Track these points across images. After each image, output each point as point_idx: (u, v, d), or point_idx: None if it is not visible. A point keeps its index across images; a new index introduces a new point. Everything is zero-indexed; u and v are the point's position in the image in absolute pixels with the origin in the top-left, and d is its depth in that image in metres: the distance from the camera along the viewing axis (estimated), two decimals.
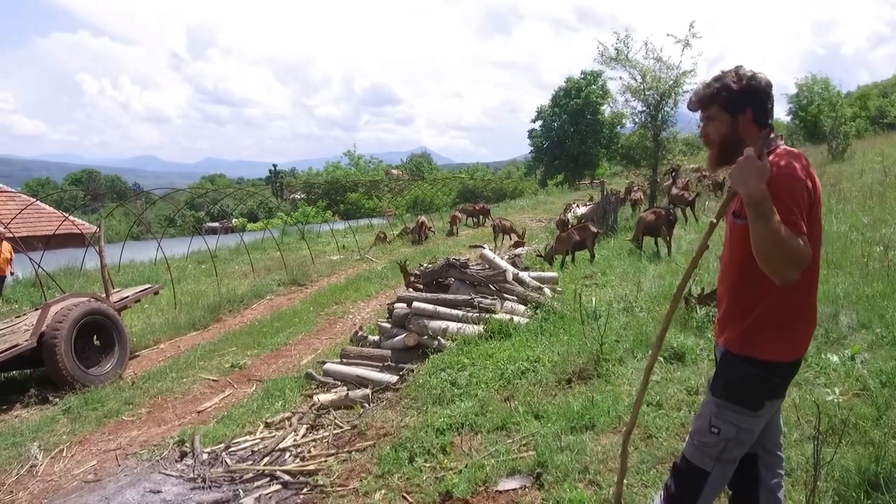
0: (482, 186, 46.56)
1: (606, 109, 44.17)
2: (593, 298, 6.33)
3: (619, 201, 13.81)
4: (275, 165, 72.72)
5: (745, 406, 2.27)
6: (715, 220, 2.16)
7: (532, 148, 47.77)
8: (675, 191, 12.97)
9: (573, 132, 43.93)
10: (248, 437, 5.47)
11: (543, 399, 4.71)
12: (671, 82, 13.64)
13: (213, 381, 7.50)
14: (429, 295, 7.12)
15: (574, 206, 17.39)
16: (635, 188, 17.99)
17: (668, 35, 12.89)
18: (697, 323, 5.52)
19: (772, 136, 2.19)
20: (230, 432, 5.54)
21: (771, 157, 2.11)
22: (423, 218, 20.75)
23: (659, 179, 14.61)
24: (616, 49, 13.74)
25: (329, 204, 38.05)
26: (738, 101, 2.23)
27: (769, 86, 2.21)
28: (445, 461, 4.12)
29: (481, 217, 23.55)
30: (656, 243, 10.55)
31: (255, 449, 5.21)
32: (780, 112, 37.48)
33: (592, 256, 9.80)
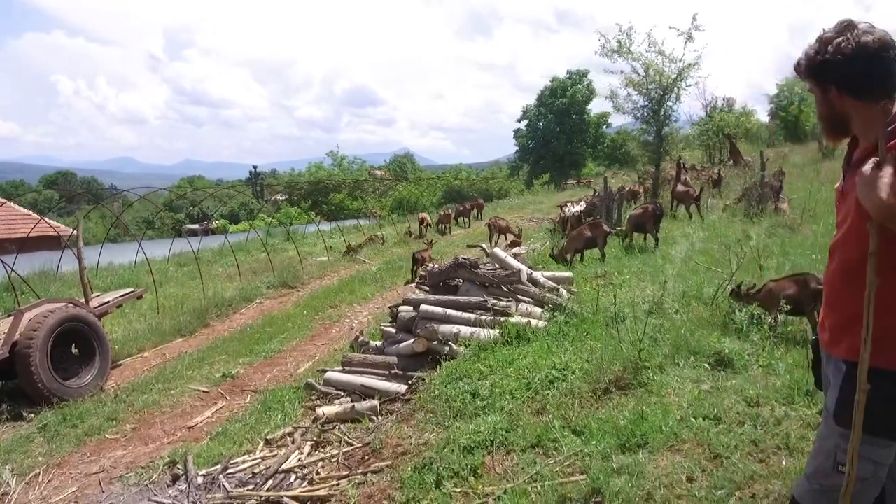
0: (467, 187, 46.19)
1: (592, 109, 44.18)
2: (613, 299, 5.89)
3: (622, 197, 13.47)
4: (255, 167, 71.66)
5: (887, 435, 1.85)
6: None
7: (518, 147, 47.54)
8: (680, 188, 12.65)
9: (559, 132, 43.74)
10: (246, 457, 4.97)
11: (580, 412, 4.26)
12: (674, 76, 13.34)
13: (204, 392, 6.96)
14: (438, 297, 6.64)
15: (569, 204, 17.03)
16: (632, 185, 17.69)
17: (670, 28, 12.63)
18: (738, 325, 5.11)
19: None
20: (226, 451, 5.04)
21: None
22: (424, 214, 21.27)
23: (663, 174, 14.34)
24: (618, 41, 13.41)
25: (313, 205, 37.37)
26: (819, 75, 1.88)
27: (863, 49, 1.77)
28: (479, 486, 3.65)
29: (472, 215, 23.18)
30: (645, 238, 10.40)
31: (256, 471, 4.72)
32: (761, 112, 37.73)
33: (603, 256, 9.42)
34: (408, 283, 11.75)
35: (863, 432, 1.78)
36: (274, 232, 25.32)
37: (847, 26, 1.82)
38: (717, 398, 4.01)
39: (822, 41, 1.86)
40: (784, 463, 3.17)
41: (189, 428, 5.93)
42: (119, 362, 8.43)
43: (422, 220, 20.80)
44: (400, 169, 65.23)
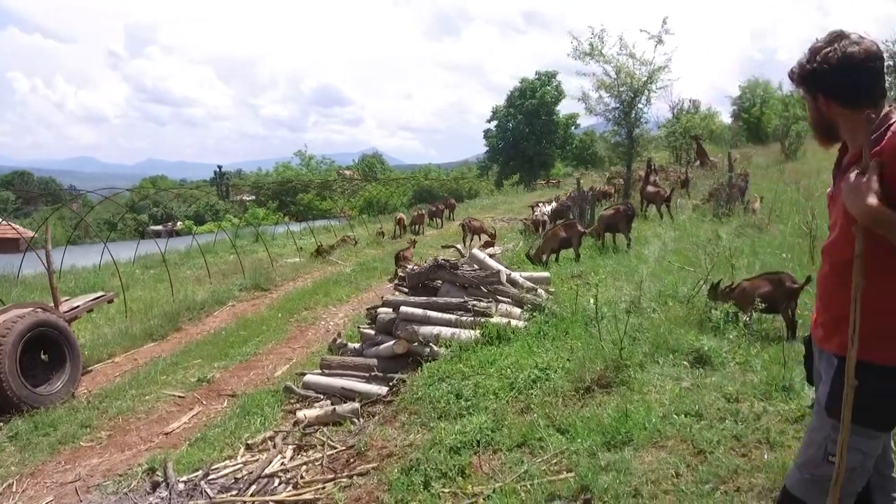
0: (437, 187, 46.18)
1: (561, 110, 44.65)
2: (591, 299, 5.98)
3: (594, 198, 13.66)
4: (220, 166, 70.36)
5: (875, 426, 1.94)
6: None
7: (488, 148, 47.77)
8: (650, 188, 12.89)
9: (528, 132, 44.08)
10: (228, 462, 4.90)
11: (565, 411, 4.32)
12: (645, 79, 13.59)
13: (180, 397, 6.84)
14: (418, 299, 6.65)
15: (540, 205, 17.19)
16: (602, 186, 17.95)
17: (641, 31, 12.86)
18: (715, 324, 5.23)
19: (886, 112, 1.86)
20: (207, 457, 4.96)
21: (887, 139, 1.80)
22: (400, 215, 21.54)
23: (634, 175, 14.58)
24: (591, 44, 13.60)
25: (281, 205, 36.91)
26: (808, 84, 1.96)
27: (849, 59, 1.84)
28: (468, 486, 3.68)
29: (444, 215, 23.21)
30: (614, 238, 10.57)
31: (239, 476, 4.66)
32: (725, 114, 38.65)
33: (578, 256, 9.54)
34: (391, 280, 11.73)
35: (852, 424, 1.86)
36: (242, 233, 24.94)
37: (837, 37, 1.90)
38: (697, 395, 4.11)
39: (813, 51, 1.93)
40: (766, 457, 3.27)
41: (166, 434, 5.83)
42: (89, 368, 8.22)
43: (399, 221, 20.96)
44: (369, 169, 64.86)
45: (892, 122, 1.85)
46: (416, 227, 20.52)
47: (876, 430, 1.96)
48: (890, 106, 1.93)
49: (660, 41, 13.17)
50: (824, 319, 2.08)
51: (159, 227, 38.25)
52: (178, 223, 36.79)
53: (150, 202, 42.77)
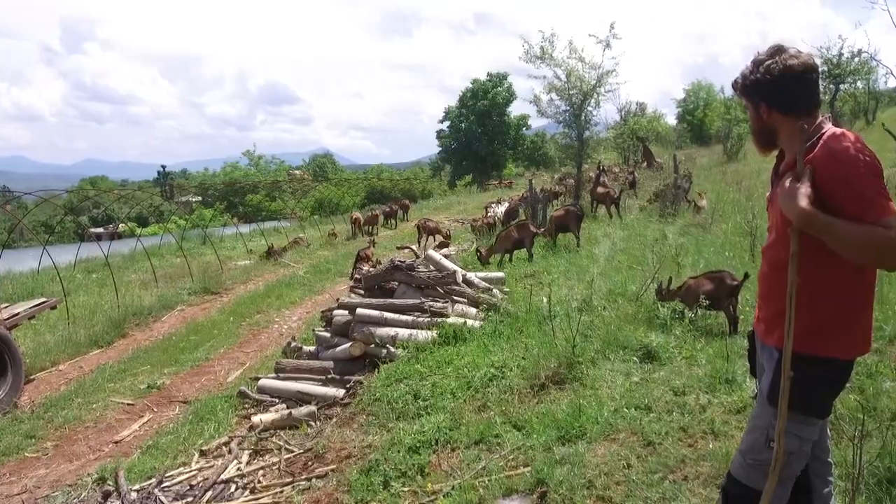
0: (390, 187, 46.04)
1: (513, 111, 45.12)
2: (544, 298, 6.13)
3: (546, 198, 13.92)
4: (164, 166, 68.36)
5: (813, 413, 2.08)
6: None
7: (440, 148, 47.86)
8: (599, 189, 13.22)
9: (480, 133, 44.35)
10: (182, 469, 4.83)
11: (520, 407, 4.43)
12: (594, 82, 13.93)
13: (129, 405, 6.67)
14: (374, 300, 6.66)
15: (493, 205, 17.39)
16: (552, 186, 18.28)
17: (589, 35, 13.19)
18: (662, 320, 5.45)
19: (818, 122, 2.01)
20: (160, 464, 4.89)
21: (819, 148, 1.93)
22: (357, 214, 21.56)
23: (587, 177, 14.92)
24: (541, 48, 13.86)
25: (229, 206, 36.14)
26: (751, 93, 2.09)
27: (789, 71, 1.99)
28: (427, 484, 3.74)
29: (398, 216, 23.21)
30: (578, 239, 10.71)
31: (194, 482, 4.59)
32: (670, 116, 39.91)
33: (531, 256, 9.71)
34: (352, 277, 11.66)
35: (791, 411, 1.97)
36: (189, 235, 24.32)
37: (777, 50, 2.03)
38: (646, 389, 4.28)
39: (756, 63, 2.06)
40: (711, 446, 3.43)
41: (116, 442, 5.69)
42: (32, 377, 7.89)
43: (355, 220, 20.90)
44: (320, 169, 64.13)
45: (824, 131, 1.99)
46: (370, 227, 20.45)
47: (813, 418, 2.09)
48: (823, 116, 2.08)
49: (607, 45, 13.57)
50: (765, 315, 2.20)
51: (100, 230, 36.86)
52: (121, 225, 35.53)
53: (90, 204, 41.13)
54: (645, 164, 20.51)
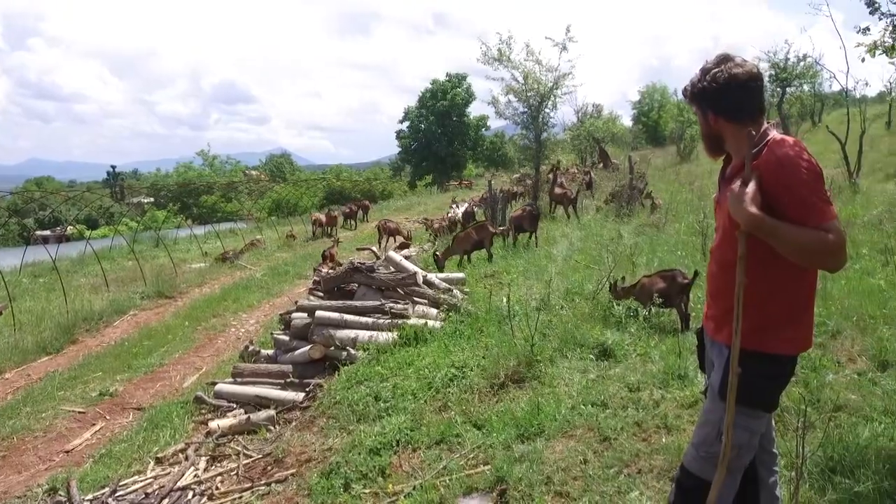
0: (350, 188, 45.72)
1: (472, 112, 45.36)
2: (504, 298, 6.21)
3: (506, 198, 14.04)
4: (113, 167, 66.39)
5: (762, 407, 2.17)
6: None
7: (400, 148, 47.75)
8: (557, 190, 13.42)
9: (440, 134, 44.41)
10: (137, 478, 4.74)
11: (480, 406, 4.47)
12: (550, 84, 14.13)
13: (80, 413, 6.49)
14: (334, 303, 6.63)
15: (453, 206, 17.45)
16: (510, 187, 18.47)
17: (546, 38, 13.37)
18: (617, 318, 5.57)
19: (764, 129, 2.09)
20: (113, 473, 4.78)
21: (765, 153, 2.02)
22: (318, 215, 21.69)
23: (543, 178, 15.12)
24: (499, 50, 13.98)
25: (182, 207, 35.36)
26: (699, 101, 2.17)
27: (733, 80, 2.06)
28: (388, 485, 3.74)
29: (358, 217, 23.08)
30: (527, 238, 10.97)
31: (149, 491, 4.50)
32: (626, 118, 40.76)
33: (490, 256, 9.79)
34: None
35: (740, 405, 2.06)
36: (141, 237, 23.71)
37: (723, 59, 2.11)
38: (602, 386, 4.38)
39: (703, 71, 2.14)
40: (664, 440, 3.54)
41: (67, 452, 5.53)
42: None
43: (316, 221, 20.85)
44: (277, 169, 63.24)
45: (769, 138, 2.07)
46: (330, 228, 20.27)
47: (761, 411, 2.18)
48: (769, 122, 2.18)
49: (564, 48, 13.77)
50: (714, 313, 2.28)
51: (47, 233, 35.57)
52: (69, 228, 34.33)
53: (35, 205, 39.62)
54: (601, 164, 20.90)
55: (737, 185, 2.00)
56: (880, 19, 6.43)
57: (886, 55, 6.62)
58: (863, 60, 6.70)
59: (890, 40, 6.46)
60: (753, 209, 1.90)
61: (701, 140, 2.36)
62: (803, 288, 2.12)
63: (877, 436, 3.17)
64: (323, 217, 20.95)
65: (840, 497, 2.76)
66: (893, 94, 19.13)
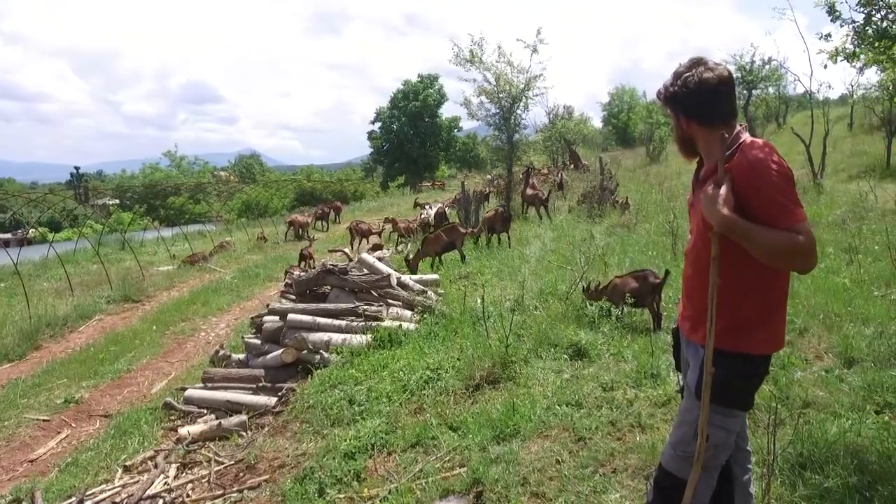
0: (321, 189, 45.39)
1: (444, 112, 45.41)
2: (478, 299, 6.21)
3: (479, 199, 14.08)
4: (77, 168, 64.84)
5: (737, 406, 2.19)
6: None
7: (372, 149, 47.60)
8: (529, 191, 13.50)
9: (412, 134, 44.40)
10: (105, 486, 4.63)
11: (456, 408, 4.46)
12: (522, 86, 14.21)
13: (45, 421, 6.32)
14: (306, 305, 6.56)
15: (427, 207, 17.43)
16: (482, 188, 18.52)
17: (517, 40, 13.45)
18: (590, 318, 5.61)
19: (736, 132, 2.10)
20: (80, 482, 4.67)
21: (737, 156, 2.03)
22: (294, 217, 21.72)
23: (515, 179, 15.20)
24: (471, 51, 14.01)
25: (149, 209, 34.70)
26: (671, 105, 2.18)
27: (704, 84, 2.06)
28: (363, 489, 3.71)
29: (331, 218, 22.93)
30: (499, 240, 11.07)
31: (117, 500, 4.42)
32: (596, 119, 41.26)
33: (463, 257, 9.79)
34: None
35: (717, 405, 2.08)
36: (106, 240, 23.19)
37: (696, 63, 2.11)
38: (577, 385, 4.40)
39: (675, 75, 2.14)
40: (638, 439, 3.57)
41: (31, 461, 5.38)
42: None
43: (292, 222, 20.75)
44: (246, 170, 62.54)
45: (741, 140, 2.08)
46: (300, 230, 20.06)
47: (737, 410, 2.19)
48: (741, 125, 2.19)
49: (535, 50, 13.87)
50: (689, 314, 2.30)
51: (8, 236, 34.55)
52: (31, 231, 33.39)
53: None
54: (572, 166, 21.11)
55: (710, 187, 2.01)
56: (841, 26, 6.61)
57: (848, 61, 6.80)
58: (825, 67, 6.88)
59: (851, 46, 6.64)
60: (726, 211, 1.92)
61: (675, 143, 2.36)
62: (776, 289, 2.14)
63: (844, 432, 3.23)
64: (300, 218, 20.86)
65: (810, 492, 2.81)
66: (855, 96, 19.72)
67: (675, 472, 2.26)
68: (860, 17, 6.33)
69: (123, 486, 4.56)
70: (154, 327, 9.85)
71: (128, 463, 4.89)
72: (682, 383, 2.45)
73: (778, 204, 1.93)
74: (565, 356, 4.97)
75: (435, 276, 7.89)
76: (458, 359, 5.20)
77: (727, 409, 2.14)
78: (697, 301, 2.20)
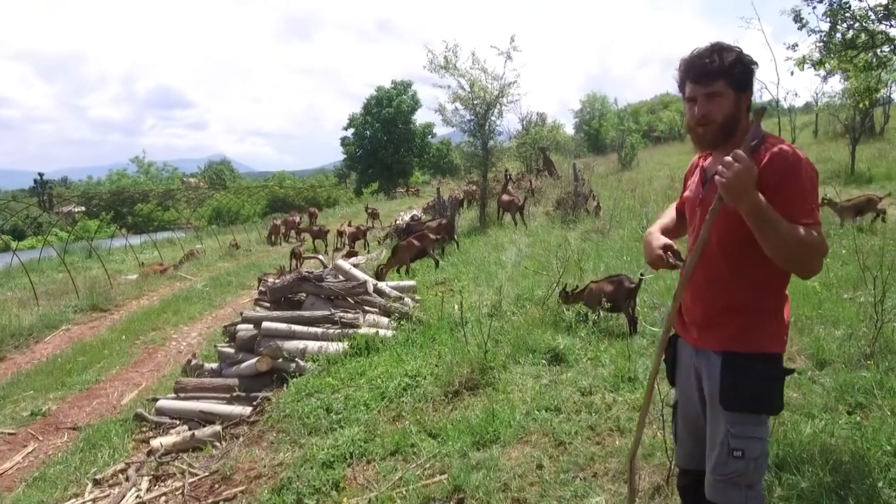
0: (294, 195, 45.05)
1: (418, 119, 45.47)
2: (455, 305, 6.21)
3: (455, 205, 14.09)
4: (41, 174, 63.43)
5: (767, 411, 2.07)
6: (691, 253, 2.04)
7: (345, 155, 47.41)
8: (504, 197, 13.56)
9: (386, 141, 44.36)
10: (74, 501, 4.54)
11: (435, 415, 4.44)
12: (496, 93, 14.29)
13: (10, 434, 6.13)
14: (281, 313, 6.47)
15: (401, 214, 17.39)
16: (456, 193, 18.56)
17: (491, 47, 13.51)
18: (567, 323, 5.65)
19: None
20: (48, 497, 4.56)
21: (768, 144, 1.95)
22: (276, 221, 21.94)
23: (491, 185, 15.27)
24: (445, 58, 14.05)
25: (116, 216, 34.06)
26: (746, 79, 2.01)
27: (751, 59, 2.02)
28: (342, 499, 3.67)
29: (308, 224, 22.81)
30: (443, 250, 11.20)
31: None
32: (569, 126, 41.69)
33: (437, 263, 9.77)
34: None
35: (748, 412, 2.01)
36: (72, 248, 22.67)
37: (725, 46, 2.01)
38: (555, 390, 4.41)
39: (715, 50, 1.99)
40: (617, 443, 3.60)
41: None
42: None
43: (274, 228, 21.06)
44: (216, 176, 61.82)
45: (762, 133, 1.97)
46: (274, 238, 19.85)
47: (768, 414, 2.09)
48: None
49: (509, 57, 13.97)
50: (696, 319, 2.15)
51: None
52: None
53: None
54: (546, 172, 21.29)
55: (736, 165, 1.80)
56: (809, 34, 6.79)
57: (814, 68, 6.99)
58: (791, 74, 7.03)
59: (818, 54, 6.83)
60: (759, 196, 1.80)
61: (695, 129, 2.05)
62: (783, 288, 2.08)
63: (818, 432, 3.30)
64: (282, 223, 21.06)
65: (787, 493, 2.86)
66: (819, 104, 20.27)
67: (723, 501, 2.10)
68: (826, 27, 6.51)
69: (94, 501, 4.45)
70: (123, 337, 9.63)
71: (98, 476, 4.77)
72: (677, 398, 2.37)
73: (803, 199, 1.87)
74: (543, 361, 4.99)
75: (412, 283, 7.87)
76: (436, 365, 5.18)
77: (758, 416, 2.04)
78: (711, 301, 2.09)
